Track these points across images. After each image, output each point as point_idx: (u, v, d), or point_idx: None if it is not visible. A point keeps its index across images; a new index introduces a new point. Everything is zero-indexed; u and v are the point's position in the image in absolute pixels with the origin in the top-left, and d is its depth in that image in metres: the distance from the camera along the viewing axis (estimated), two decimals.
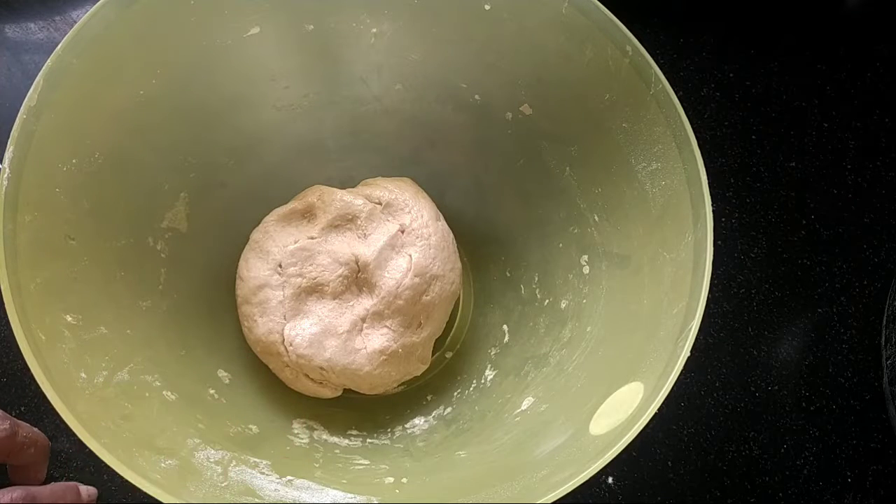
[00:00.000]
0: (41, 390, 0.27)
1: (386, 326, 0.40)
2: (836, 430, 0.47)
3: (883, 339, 0.44)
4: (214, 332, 0.41)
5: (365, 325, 0.40)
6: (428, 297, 0.41)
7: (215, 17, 0.36)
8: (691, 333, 0.30)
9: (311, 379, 0.40)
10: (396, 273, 0.40)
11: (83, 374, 0.29)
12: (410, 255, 0.40)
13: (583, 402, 0.33)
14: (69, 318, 0.30)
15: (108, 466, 0.26)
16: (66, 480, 0.41)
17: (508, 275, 0.46)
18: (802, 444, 0.46)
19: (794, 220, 0.52)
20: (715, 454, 0.46)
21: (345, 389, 0.41)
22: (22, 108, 0.30)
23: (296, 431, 0.39)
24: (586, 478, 0.27)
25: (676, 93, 0.34)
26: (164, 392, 0.33)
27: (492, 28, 0.38)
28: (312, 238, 0.41)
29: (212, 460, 0.31)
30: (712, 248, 0.31)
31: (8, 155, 0.29)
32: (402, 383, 0.44)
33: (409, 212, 0.42)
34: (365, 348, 0.40)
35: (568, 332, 0.40)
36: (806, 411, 0.47)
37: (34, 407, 0.43)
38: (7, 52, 0.53)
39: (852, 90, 0.55)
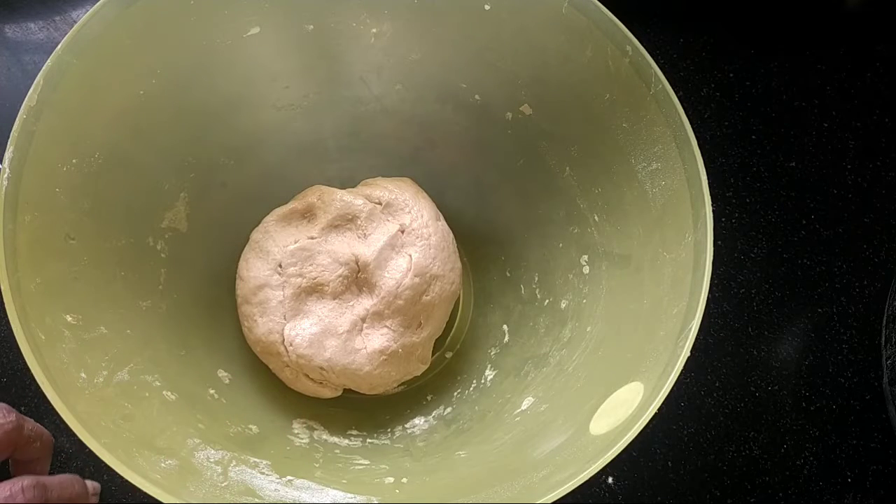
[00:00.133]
0: (41, 390, 0.27)
1: (386, 326, 0.40)
2: (836, 430, 0.47)
3: (883, 339, 0.44)
4: (214, 332, 0.41)
5: (365, 325, 0.40)
6: (428, 297, 0.41)
7: (215, 17, 0.36)
8: (691, 333, 0.30)
9: (311, 379, 0.40)
10: (396, 273, 0.40)
11: (83, 374, 0.29)
12: (410, 255, 0.40)
13: (583, 402, 0.33)
14: (69, 318, 0.30)
15: (108, 466, 0.26)
16: None
17: (508, 275, 0.46)
18: (802, 444, 0.46)
19: (794, 220, 0.52)
20: (715, 454, 0.46)
21: (345, 389, 0.41)
22: (22, 108, 0.30)
23: (296, 431, 0.39)
24: (586, 478, 0.27)
25: (676, 93, 0.34)
26: (164, 392, 0.33)
27: (492, 28, 0.38)
28: (312, 238, 0.41)
29: (212, 460, 0.31)
30: (712, 248, 0.31)
31: (8, 155, 0.29)
32: (402, 383, 0.44)
33: (409, 212, 0.42)
34: (365, 348, 0.40)
35: (568, 332, 0.40)
36: (806, 411, 0.47)
37: (34, 407, 0.43)
38: (7, 52, 0.53)
39: (852, 90, 0.55)
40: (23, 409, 0.43)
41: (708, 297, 0.31)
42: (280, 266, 0.40)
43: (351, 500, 0.32)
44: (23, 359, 0.27)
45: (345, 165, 0.47)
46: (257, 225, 0.43)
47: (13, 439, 0.36)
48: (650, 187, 0.35)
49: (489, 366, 0.44)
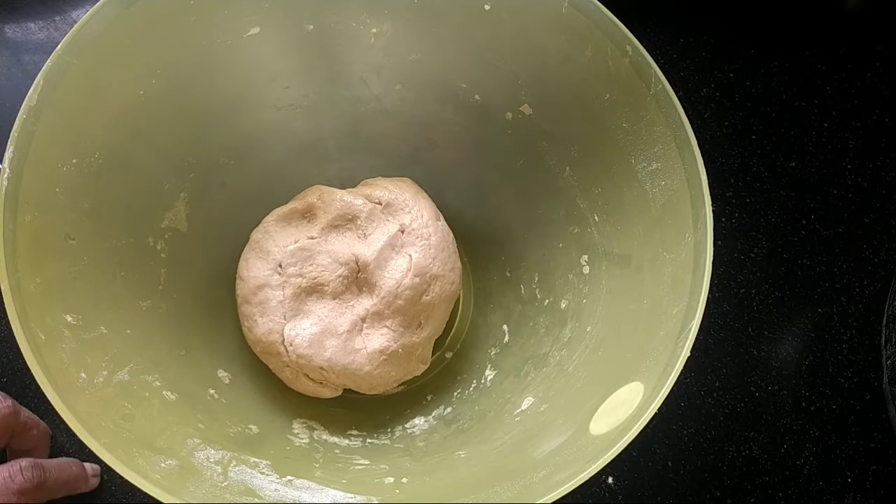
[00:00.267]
0: (41, 390, 0.27)
1: (386, 326, 0.40)
2: (836, 430, 0.47)
3: (883, 339, 0.44)
4: (214, 332, 0.41)
5: (365, 325, 0.40)
6: (428, 297, 0.41)
7: (215, 17, 0.36)
8: (691, 333, 0.30)
9: (311, 379, 0.40)
10: (396, 273, 0.40)
11: (83, 374, 0.29)
12: (410, 255, 0.40)
13: (583, 402, 0.33)
14: (69, 318, 0.30)
15: (109, 466, 0.26)
16: None
17: (508, 275, 0.46)
18: (802, 444, 0.46)
19: (794, 220, 0.52)
20: (715, 454, 0.46)
21: (345, 389, 0.41)
22: (22, 108, 0.30)
23: (296, 431, 0.39)
24: (586, 478, 0.27)
25: (676, 93, 0.34)
26: (164, 392, 0.33)
27: (492, 28, 0.38)
28: (312, 238, 0.41)
29: (212, 460, 0.31)
30: (712, 248, 0.31)
31: (8, 155, 0.29)
32: (402, 383, 0.44)
33: (409, 212, 0.42)
34: (365, 348, 0.40)
35: (568, 332, 0.39)
36: (806, 411, 0.47)
37: (34, 407, 0.43)
38: (7, 52, 0.53)
39: (852, 90, 0.55)
40: None
41: (708, 297, 0.31)
42: (280, 266, 0.40)
43: (351, 500, 0.32)
44: (23, 359, 0.27)
45: (345, 165, 0.47)
46: (257, 225, 0.43)
47: (10, 423, 0.36)
48: (650, 187, 0.35)
49: (489, 366, 0.44)
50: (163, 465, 0.29)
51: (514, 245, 0.46)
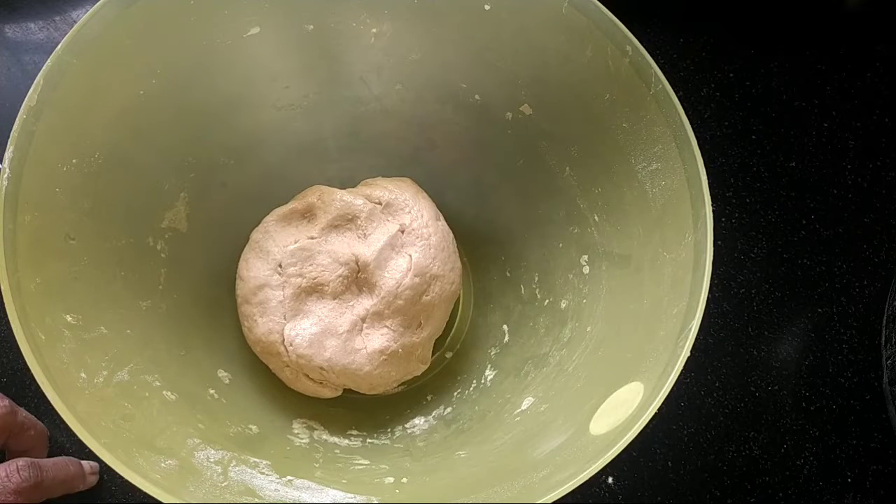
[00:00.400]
0: (41, 390, 0.27)
1: (386, 326, 0.40)
2: (836, 430, 0.47)
3: (883, 339, 0.44)
4: (214, 332, 0.41)
5: (365, 325, 0.40)
6: (428, 297, 0.41)
7: (215, 17, 0.36)
8: (691, 333, 0.30)
9: (311, 379, 0.40)
10: (396, 273, 0.40)
11: (83, 374, 0.29)
12: (410, 255, 0.40)
13: (583, 402, 0.33)
14: (69, 318, 0.30)
15: (109, 466, 0.26)
16: None
17: (508, 275, 0.46)
18: (802, 444, 0.46)
19: (794, 220, 0.52)
20: (715, 454, 0.46)
21: (345, 389, 0.41)
22: (22, 108, 0.30)
23: (296, 431, 0.39)
24: (586, 478, 0.27)
25: (676, 93, 0.34)
26: (164, 392, 0.33)
27: (492, 28, 0.38)
28: (312, 238, 0.41)
29: (212, 460, 0.31)
30: (712, 248, 0.31)
31: (8, 155, 0.29)
32: (402, 383, 0.44)
33: (409, 212, 0.42)
34: (365, 348, 0.40)
35: (568, 332, 0.40)
36: (806, 411, 0.47)
37: (34, 407, 0.43)
38: (7, 52, 0.53)
39: (852, 90, 0.55)
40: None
41: (708, 297, 0.31)
42: (280, 266, 0.40)
43: (351, 500, 0.32)
44: (23, 359, 0.27)
45: (345, 165, 0.47)
46: (257, 225, 0.43)
47: (7, 424, 0.36)
48: (650, 187, 0.35)
49: (489, 366, 0.44)
50: (163, 465, 0.29)
51: (514, 245, 0.46)
